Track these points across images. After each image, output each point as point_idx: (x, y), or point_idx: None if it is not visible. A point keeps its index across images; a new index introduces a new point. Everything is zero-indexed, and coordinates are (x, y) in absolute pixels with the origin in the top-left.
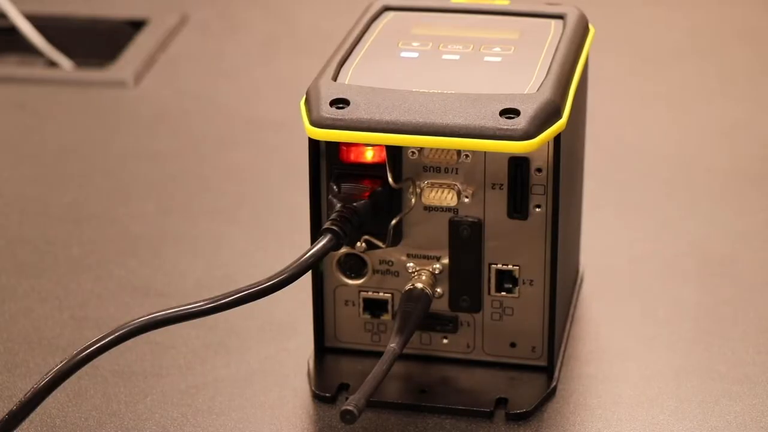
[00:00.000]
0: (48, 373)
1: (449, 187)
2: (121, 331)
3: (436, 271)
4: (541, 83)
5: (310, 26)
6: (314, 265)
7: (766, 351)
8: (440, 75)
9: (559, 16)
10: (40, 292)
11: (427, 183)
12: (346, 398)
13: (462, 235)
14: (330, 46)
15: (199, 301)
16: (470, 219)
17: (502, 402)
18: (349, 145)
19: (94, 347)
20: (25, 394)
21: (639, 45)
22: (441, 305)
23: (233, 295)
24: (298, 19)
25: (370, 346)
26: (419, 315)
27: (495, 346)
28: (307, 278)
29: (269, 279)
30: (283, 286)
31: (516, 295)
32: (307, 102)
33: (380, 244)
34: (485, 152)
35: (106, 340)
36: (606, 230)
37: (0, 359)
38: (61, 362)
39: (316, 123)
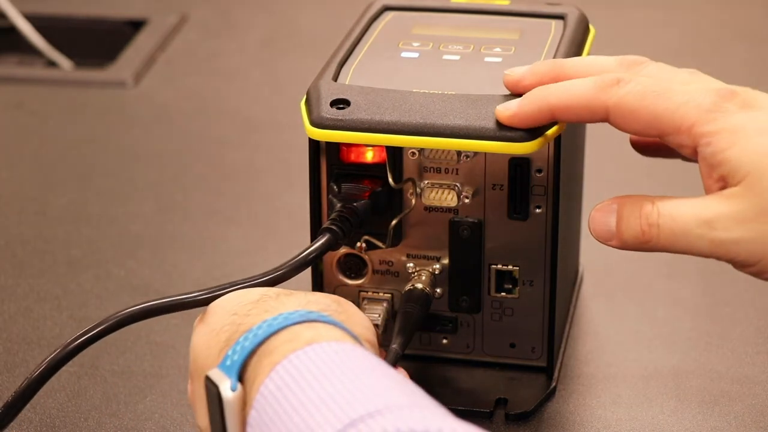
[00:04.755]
0: (42, 362)
1: (449, 187)
2: (114, 320)
3: (436, 272)
4: None
5: (310, 26)
6: (311, 263)
7: (766, 351)
8: (441, 75)
9: (560, 17)
10: (39, 292)
11: (428, 183)
12: None
13: (462, 235)
14: (330, 46)
15: (194, 292)
16: (470, 219)
17: (501, 402)
18: (349, 145)
19: (87, 335)
20: (20, 385)
21: (639, 45)
22: (441, 306)
23: (228, 288)
24: (298, 19)
25: None
26: (419, 315)
27: (495, 347)
28: (307, 278)
29: (264, 274)
30: (278, 282)
31: (516, 295)
32: (308, 102)
33: (380, 244)
34: (485, 153)
35: (100, 328)
36: None
37: (0, 359)
38: (55, 351)
39: (317, 123)
